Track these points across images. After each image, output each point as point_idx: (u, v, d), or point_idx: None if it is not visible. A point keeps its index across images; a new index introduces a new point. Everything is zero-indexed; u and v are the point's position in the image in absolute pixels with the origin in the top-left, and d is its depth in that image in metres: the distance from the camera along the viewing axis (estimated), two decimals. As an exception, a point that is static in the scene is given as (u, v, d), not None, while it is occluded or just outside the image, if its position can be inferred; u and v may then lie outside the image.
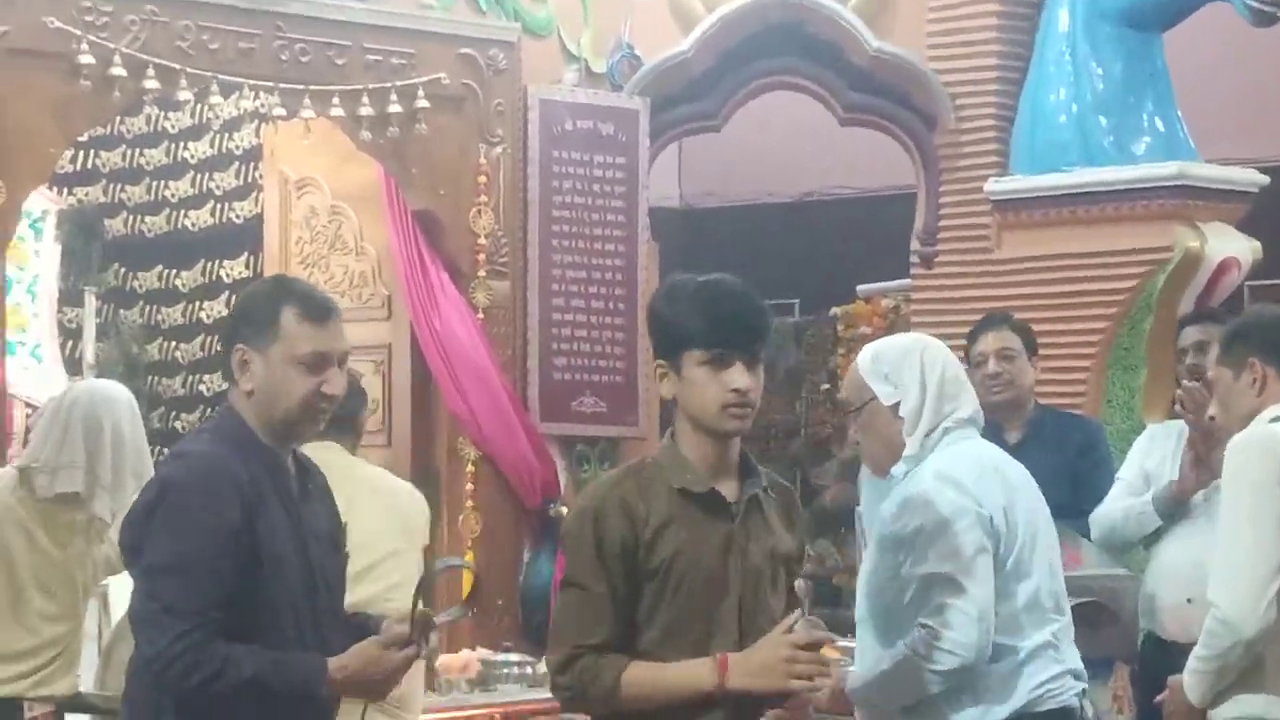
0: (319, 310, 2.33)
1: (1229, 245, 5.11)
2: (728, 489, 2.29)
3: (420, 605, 2.33)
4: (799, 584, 2.30)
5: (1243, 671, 2.63)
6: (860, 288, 6.35)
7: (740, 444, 2.32)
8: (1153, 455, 3.77)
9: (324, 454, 2.87)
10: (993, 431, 3.94)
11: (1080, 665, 2.66)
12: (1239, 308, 5.56)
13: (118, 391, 3.68)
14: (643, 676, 2.22)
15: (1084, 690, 2.67)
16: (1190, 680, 2.63)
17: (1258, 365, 2.69)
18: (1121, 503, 3.72)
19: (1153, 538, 3.70)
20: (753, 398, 2.25)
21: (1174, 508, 3.62)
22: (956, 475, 2.53)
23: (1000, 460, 2.66)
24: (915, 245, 5.55)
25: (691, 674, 2.21)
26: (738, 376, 2.24)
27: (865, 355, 2.68)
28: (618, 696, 2.22)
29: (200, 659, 2.20)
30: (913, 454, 2.59)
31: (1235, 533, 2.61)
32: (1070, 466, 3.88)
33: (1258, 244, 5.19)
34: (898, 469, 2.61)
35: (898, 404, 2.60)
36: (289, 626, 2.30)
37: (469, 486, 5.02)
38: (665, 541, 2.24)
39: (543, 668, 4.19)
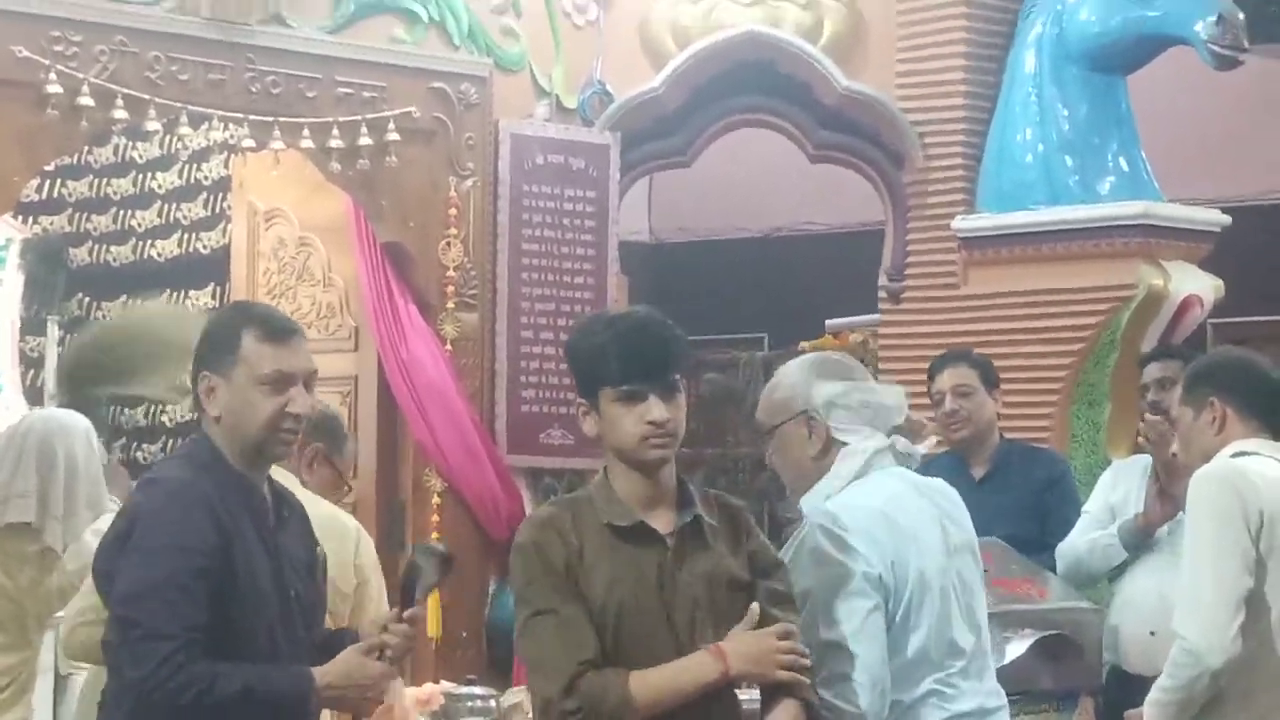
0: (278, 331, 2.35)
1: (1192, 283, 5.17)
2: (662, 520, 2.28)
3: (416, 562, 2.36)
4: (753, 607, 2.26)
5: (1204, 705, 2.63)
6: (829, 322, 6.38)
7: (677, 474, 2.31)
8: (1118, 489, 3.80)
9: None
10: (958, 466, 3.98)
11: (980, 702, 2.54)
12: (1202, 345, 5.63)
13: (74, 421, 3.65)
14: (648, 681, 2.20)
15: None
16: (1151, 712, 2.64)
17: (1217, 404, 2.73)
18: (1087, 536, 3.74)
19: (1117, 571, 3.72)
20: (672, 427, 2.25)
21: (1139, 540, 3.64)
22: (843, 530, 2.44)
23: (895, 503, 2.52)
24: (883, 281, 5.59)
25: (695, 668, 2.21)
26: (653, 409, 2.23)
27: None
28: (632, 705, 2.18)
29: (190, 678, 2.20)
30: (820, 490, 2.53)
31: (1199, 564, 2.62)
32: (1036, 500, 3.91)
33: (1220, 282, 5.26)
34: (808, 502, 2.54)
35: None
36: (265, 654, 2.30)
37: (435, 518, 5.00)
38: (599, 575, 2.23)
39: (507, 700, 4.14)
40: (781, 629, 2.23)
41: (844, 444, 2.49)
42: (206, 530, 2.25)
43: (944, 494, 2.64)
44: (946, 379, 3.98)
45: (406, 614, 2.35)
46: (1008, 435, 4.20)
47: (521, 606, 2.27)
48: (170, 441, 6.19)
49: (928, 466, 4.04)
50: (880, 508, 2.49)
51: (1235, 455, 2.69)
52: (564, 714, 2.21)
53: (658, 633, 2.23)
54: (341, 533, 3.14)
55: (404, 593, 2.38)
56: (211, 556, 2.25)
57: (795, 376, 2.51)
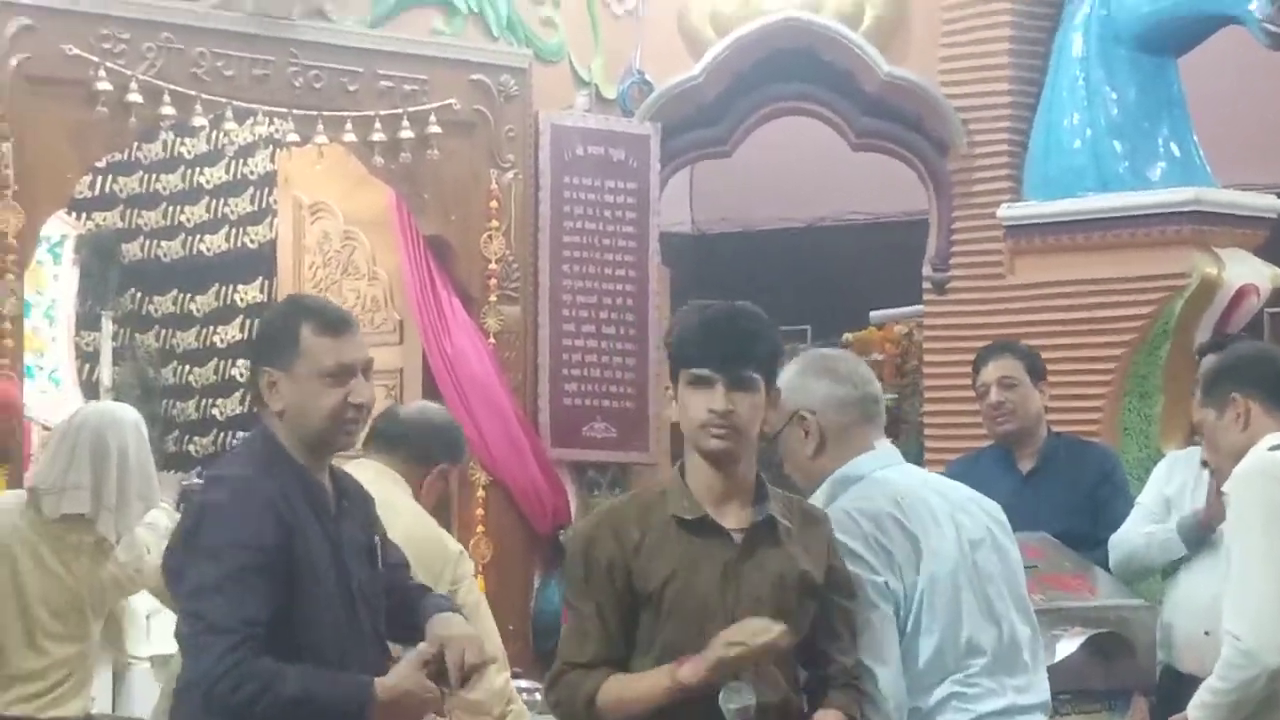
0: (336, 323, 2.38)
1: (1247, 271, 5.07)
2: (734, 516, 2.27)
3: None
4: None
5: (1258, 704, 2.57)
6: (873, 314, 6.33)
7: (757, 471, 2.30)
8: (1173, 482, 3.73)
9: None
10: (1005, 460, 3.93)
11: (1011, 700, 2.47)
12: (1258, 335, 5.53)
13: (125, 414, 3.70)
14: (613, 686, 2.24)
15: None
16: (1200, 714, 2.57)
17: (1240, 400, 2.65)
18: (1142, 528, 3.67)
19: (1171, 568, 3.66)
20: (735, 420, 2.23)
21: (1199, 537, 3.57)
22: (848, 538, 2.39)
23: (901, 504, 2.46)
24: (928, 271, 5.53)
25: (652, 679, 2.22)
26: (715, 398, 2.23)
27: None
28: (594, 708, 2.24)
29: (247, 675, 2.23)
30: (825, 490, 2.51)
31: (1249, 561, 2.56)
32: (1086, 495, 3.84)
33: (1277, 270, 5.15)
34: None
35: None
36: (329, 644, 2.33)
37: (480, 512, 5.01)
38: (657, 567, 2.24)
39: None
40: (737, 629, 2.19)
41: (840, 442, 2.45)
42: (269, 527, 2.28)
43: (953, 487, 2.59)
44: (991, 371, 3.93)
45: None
46: (1057, 428, 4.14)
47: (564, 593, 2.34)
48: (221, 435, 6.24)
49: (975, 460, 4.03)
50: (887, 510, 2.44)
51: (1272, 449, 2.62)
52: (548, 703, 2.32)
53: (717, 628, 2.22)
54: (443, 555, 3.16)
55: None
56: (274, 553, 2.28)
57: (787, 379, 2.47)
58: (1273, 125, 6.28)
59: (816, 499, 2.46)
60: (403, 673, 2.32)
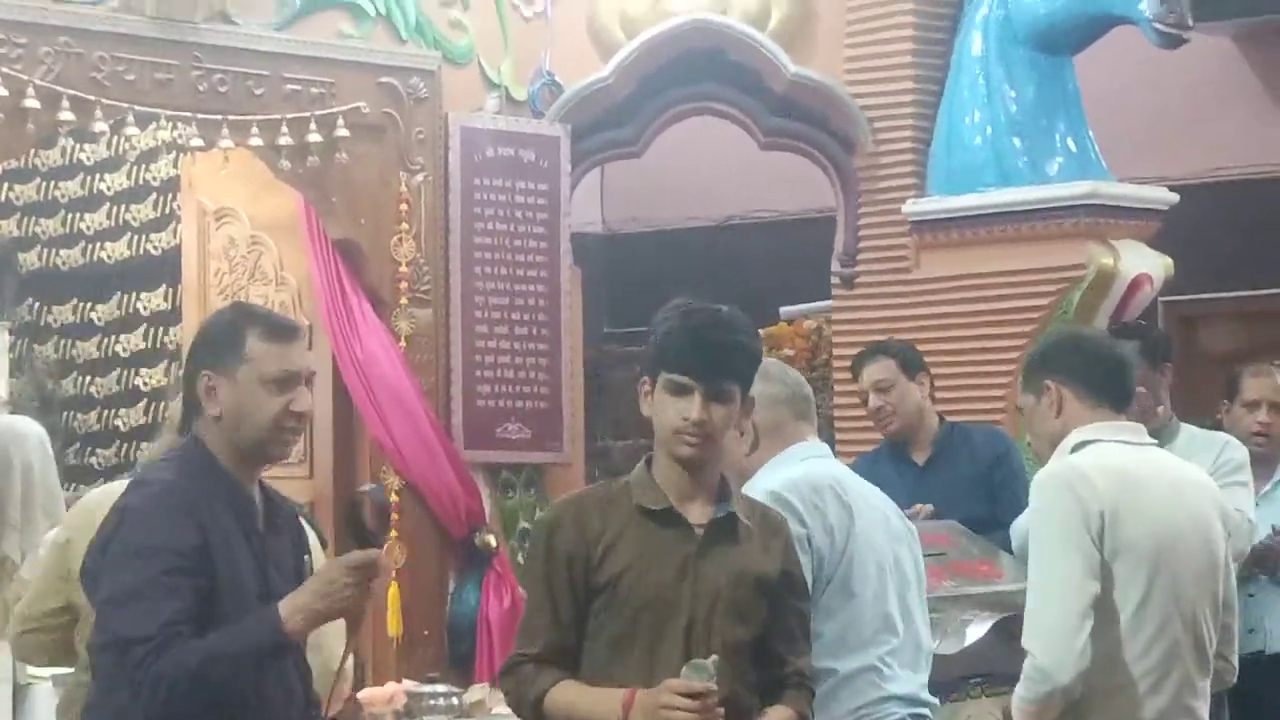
0: (284, 330, 2.38)
1: (1142, 262, 5.22)
2: (696, 513, 2.30)
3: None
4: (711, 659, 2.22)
5: (1065, 712, 2.55)
6: (783, 310, 6.40)
7: (721, 472, 2.33)
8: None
9: None
10: (900, 455, 4.02)
11: (915, 690, 2.60)
12: (1154, 323, 5.68)
13: (29, 428, 3.63)
14: (563, 698, 2.25)
15: (916, 716, 2.60)
16: (1020, 712, 2.56)
17: (1053, 387, 2.64)
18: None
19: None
20: (709, 429, 2.26)
21: None
22: (784, 493, 2.50)
23: (840, 480, 2.62)
24: (836, 267, 5.61)
25: (604, 703, 2.22)
26: (693, 407, 2.25)
27: None
28: (541, 712, 2.26)
29: (160, 670, 2.19)
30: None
31: (1042, 574, 2.53)
32: (983, 479, 3.93)
33: (1169, 260, 5.30)
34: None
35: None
36: None
37: (393, 516, 4.98)
38: (615, 556, 2.26)
39: (469, 697, 4.15)
40: (683, 685, 2.18)
41: (773, 438, 2.54)
42: (187, 532, 2.26)
43: (880, 493, 2.71)
44: (865, 377, 4.04)
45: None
46: (961, 417, 4.23)
47: (520, 580, 2.35)
48: (124, 446, 6.13)
49: (874, 458, 4.12)
50: (826, 482, 2.56)
51: (1076, 447, 2.61)
52: (502, 691, 2.35)
53: (673, 618, 2.25)
54: None
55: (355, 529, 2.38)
56: (191, 557, 2.25)
57: None
58: (1164, 120, 6.45)
59: (750, 488, 2.50)
60: (304, 585, 2.29)
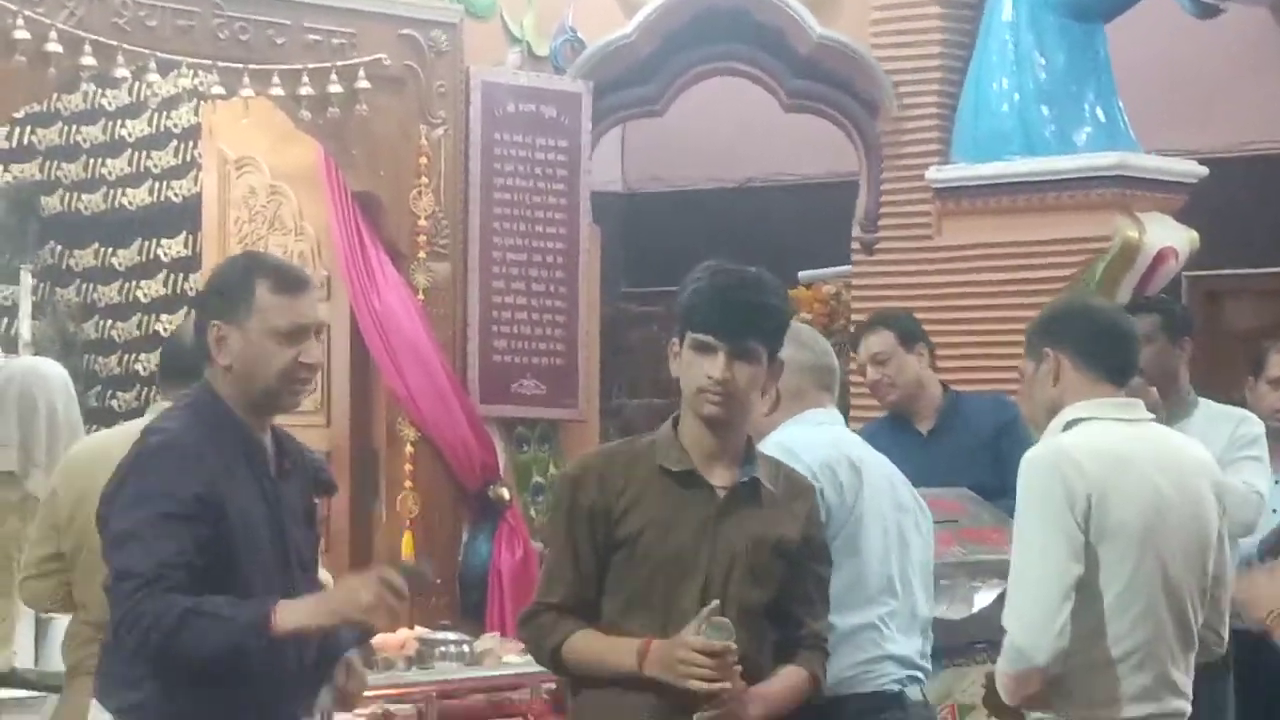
0: (294, 282, 2.36)
1: (1167, 235, 5.18)
2: (720, 475, 2.31)
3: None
4: (711, 605, 2.25)
5: (1049, 684, 2.54)
6: (802, 274, 6.37)
7: (747, 435, 2.34)
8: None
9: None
10: (904, 424, 4.01)
11: (911, 654, 2.63)
12: (1177, 297, 5.64)
13: (53, 370, 3.65)
14: (582, 645, 2.28)
15: (911, 678, 2.63)
16: (999, 682, 2.56)
17: (1052, 355, 2.62)
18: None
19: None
20: (732, 389, 2.27)
21: None
22: (793, 449, 2.54)
23: (847, 444, 2.68)
24: (856, 232, 5.58)
25: (620, 651, 2.25)
26: (716, 366, 2.26)
27: None
28: (560, 659, 2.29)
29: (158, 613, 2.21)
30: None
31: (1024, 554, 2.52)
32: (989, 447, 3.92)
33: (1195, 234, 5.26)
34: None
35: None
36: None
37: (408, 467, 5.00)
38: (636, 514, 2.28)
39: (480, 645, 4.18)
40: (703, 644, 2.20)
41: (795, 401, 2.56)
42: (192, 479, 2.27)
43: (892, 466, 2.74)
44: (863, 350, 4.03)
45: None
46: (979, 387, 4.21)
47: (546, 529, 2.37)
48: (144, 390, 6.15)
49: (877, 427, 4.12)
50: (833, 443, 2.60)
51: (1069, 425, 2.59)
52: (521, 638, 2.40)
53: (689, 578, 2.27)
54: None
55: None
56: (195, 504, 2.26)
57: None
58: (1196, 92, 6.38)
59: (763, 446, 2.50)
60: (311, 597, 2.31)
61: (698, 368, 2.27)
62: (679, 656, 2.19)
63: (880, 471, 2.70)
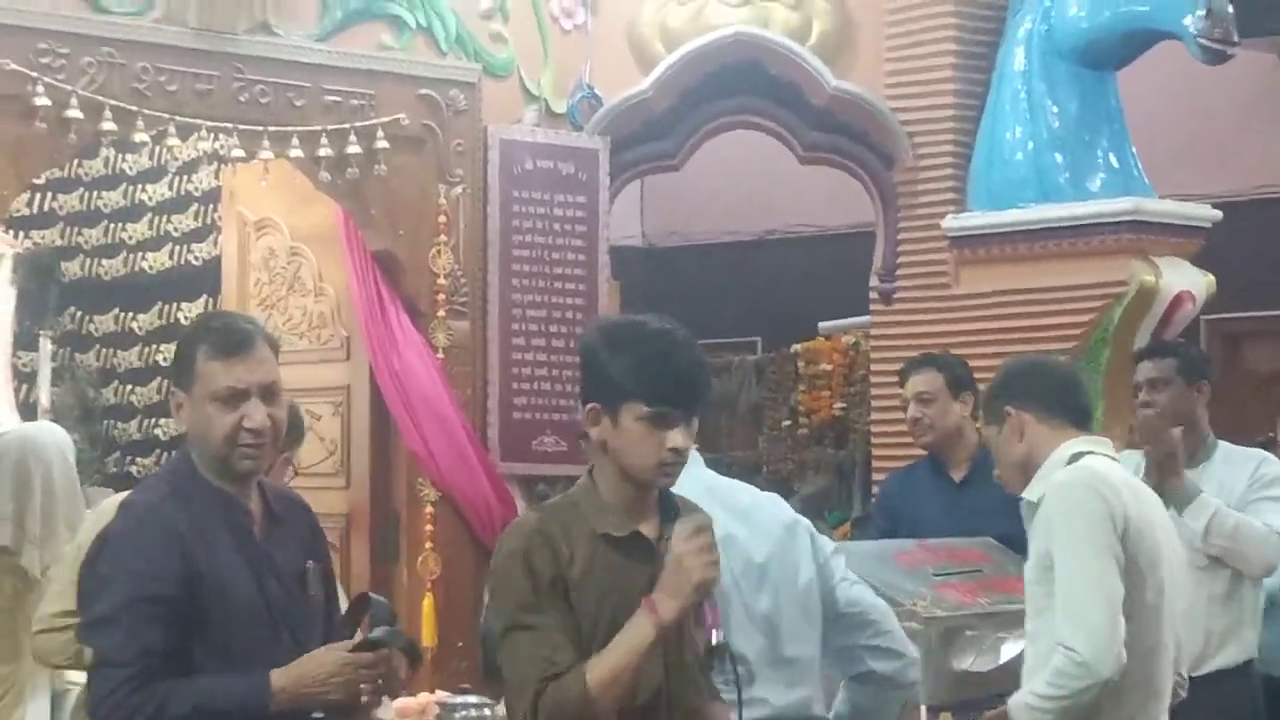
0: (229, 345, 2.34)
1: (1183, 279, 5.17)
2: (648, 528, 2.26)
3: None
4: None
5: (1085, 709, 2.56)
6: (821, 324, 6.38)
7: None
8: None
9: None
10: (937, 470, 3.99)
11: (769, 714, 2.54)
12: (1195, 340, 5.63)
13: (50, 438, 3.62)
14: (601, 665, 2.15)
15: None
16: (1027, 716, 2.56)
17: (1013, 413, 2.70)
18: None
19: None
20: (685, 456, 2.23)
21: None
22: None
23: (719, 490, 2.62)
24: (874, 282, 5.58)
25: (632, 630, 2.16)
26: (677, 437, 2.20)
27: None
28: (591, 698, 2.14)
29: (138, 703, 2.20)
30: None
31: (1079, 573, 2.54)
32: (1018, 500, 3.89)
33: (1212, 278, 5.25)
34: None
35: None
36: (247, 668, 2.28)
37: (428, 527, 4.98)
38: (591, 586, 2.20)
39: (501, 709, 4.13)
40: (689, 528, 2.15)
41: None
42: (168, 556, 2.26)
43: (750, 500, 2.68)
44: (909, 386, 4.03)
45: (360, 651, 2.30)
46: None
47: (499, 616, 2.22)
48: (164, 454, 6.17)
49: (910, 471, 4.08)
50: (704, 493, 2.47)
51: (1073, 458, 2.64)
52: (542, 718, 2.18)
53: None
54: None
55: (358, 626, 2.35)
56: (173, 583, 2.25)
57: None
58: (1207, 137, 6.40)
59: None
60: (301, 659, 2.27)
61: (653, 441, 2.18)
62: (679, 553, 2.13)
63: (756, 508, 2.63)
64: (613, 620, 2.18)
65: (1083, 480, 2.59)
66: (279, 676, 2.26)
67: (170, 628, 2.23)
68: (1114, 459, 2.70)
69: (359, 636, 2.36)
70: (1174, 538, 2.70)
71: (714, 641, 2.17)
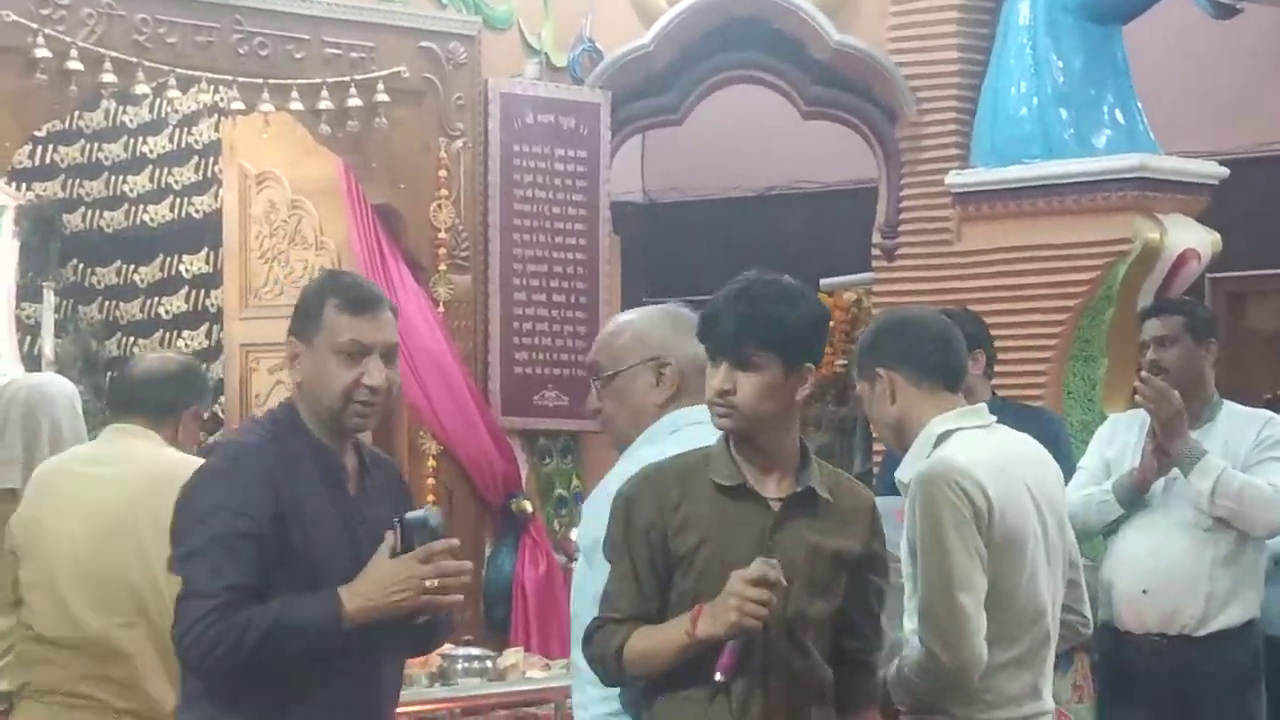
0: (360, 301, 2.36)
1: (1189, 237, 5.15)
2: (774, 486, 2.28)
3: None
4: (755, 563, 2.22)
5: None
6: (823, 281, 6.35)
7: (803, 445, 2.31)
8: (1114, 444, 3.78)
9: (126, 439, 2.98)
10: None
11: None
12: (1200, 299, 5.61)
13: (58, 387, 3.66)
14: (638, 641, 2.25)
15: None
16: (894, 689, 2.54)
17: (883, 374, 2.62)
18: (1082, 491, 3.73)
19: (1111, 527, 3.71)
20: (734, 400, 2.25)
21: (1134, 497, 3.63)
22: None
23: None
24: (877, 238, 5.56)
25: (672, 628, 2.23)
26: (716, 378, 2.27)
27: None
28: (622, 662, 2.25)
29: (220, 632, 2.23)
30: None
31: (942, 573, 2.49)
32: None
33: (1217, 236, 5.23)
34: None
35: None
36: None
37: (430, 481, 5.00)
38: (692, 530, 2.26)
39: (504, 661, 4.17)
40: (757, 572, 2.18)
41: (692, 396, 2.45)
42: (258, 496, 2.28)
43: None
44: None
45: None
46: (1002, 392, 4.18)
47: (603, 549, 2.31)
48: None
49: None
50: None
51: (940, 439, 2.57)
52: (586, 658, 2.32)
53: None
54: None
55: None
56: (261, 522, 2.27)
57: (646, 324, 2.50)
58: (1215, 93, 6.35)
59: (633, 449, 2.45)
60: (368, 567, 2.29)
61: (708, 382, 2.28)
62: (731, 589, 2.16)
63: None
64: (706, 565, 2.23)
65: (940, 475, 2.52)
66: (346, 594, 2.27)
67: (257, 563, 2.25)
68: (985, 426, 2.63)
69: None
70: (1050, 497, 2.64)
71: (717, 677, 2.20)
